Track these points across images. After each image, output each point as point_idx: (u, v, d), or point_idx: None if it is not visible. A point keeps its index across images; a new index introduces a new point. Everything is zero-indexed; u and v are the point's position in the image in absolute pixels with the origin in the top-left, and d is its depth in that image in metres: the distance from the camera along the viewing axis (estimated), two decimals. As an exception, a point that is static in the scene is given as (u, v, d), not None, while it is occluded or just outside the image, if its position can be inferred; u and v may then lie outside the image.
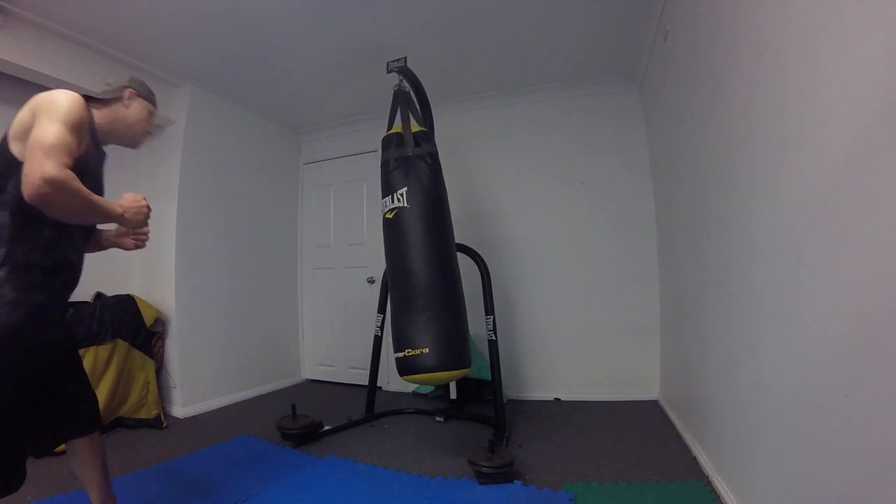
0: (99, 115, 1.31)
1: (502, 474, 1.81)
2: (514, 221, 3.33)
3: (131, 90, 1.36)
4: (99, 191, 1.31)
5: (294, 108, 3.66)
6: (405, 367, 1.95)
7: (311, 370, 4.00)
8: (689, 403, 2.23)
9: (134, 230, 1.45)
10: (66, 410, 1.32)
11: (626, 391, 2.99)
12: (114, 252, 3.30)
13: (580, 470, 1.93)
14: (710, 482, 1.72)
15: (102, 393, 2.43)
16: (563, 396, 3.10)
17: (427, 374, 1.92)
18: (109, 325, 2.53)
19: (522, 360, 3.22)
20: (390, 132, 2.31)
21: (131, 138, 1.41)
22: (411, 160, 2.16)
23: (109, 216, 1.23)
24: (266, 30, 2.51)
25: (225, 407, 3.13)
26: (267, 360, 3.66)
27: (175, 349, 2.92)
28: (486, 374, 2.71)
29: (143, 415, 2.64)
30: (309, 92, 3.37)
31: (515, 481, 1.82)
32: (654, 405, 2.84)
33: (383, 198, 2.18)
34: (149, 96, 1.41)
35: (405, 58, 2.36)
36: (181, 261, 2.98)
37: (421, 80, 2.51)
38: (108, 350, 2.49)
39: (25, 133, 1.12)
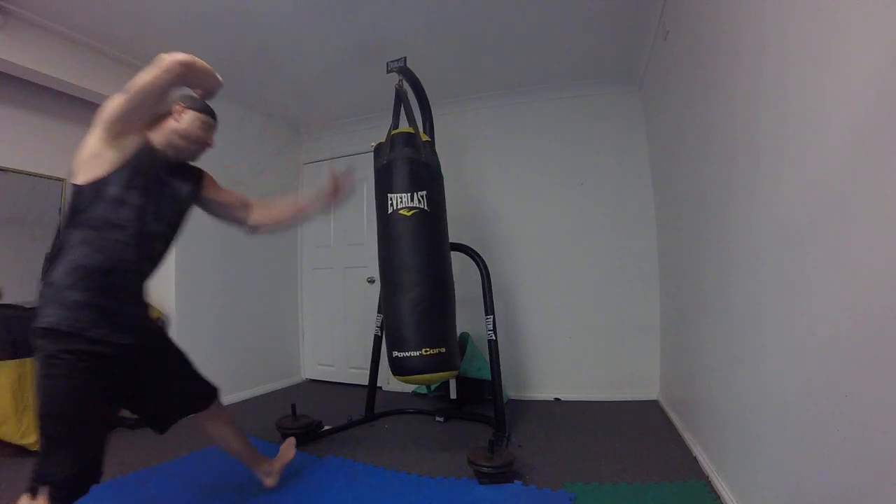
0: (154, 133, 1.37)
1: (502, 474, 1.81)
2: (514, 221, 3.33)
3: (180, 104, 1.41)
4: (148, 203, 1.33)
5: (295, 107, 3.66)
6: (412, 368, 1.96)
7: (311, 370, 4.00)
8: (689, 403, 2.24)
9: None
10: (169, 396, 1.53)
11: (626, 391, 2.99)
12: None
13: (580, 470, 1.93)
14: (710, 482, 1.72)
15: (102, 393, 2.43)
16: (563, 396, 3.10)
17: (438, 373, 1.96)
18: (109, 325, 2.53)
19: (522, 360, 3.22)
20: (403, 130, 2.25)
21: (187, 150, 1.44)
22: (426, 166, 2.14)
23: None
24: (266, 30, 2.51)
25: (225, 407, 3.12)
26: (267, 360, 3.66)
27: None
28: (486, 374, 2.71)
29: (143, 415, 2.63)
30: (310, 92, 3.37)
31: (515, 481, 1.82)
32: (654, 405, 2.84)
33: (394, 192, 2.07)
34: (202, 108, 1.44)
35: (405, 58, 2.36)
36: (181, 261, 2.98)
37: (421, 79, 2.51)
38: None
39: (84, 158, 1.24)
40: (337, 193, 1.72)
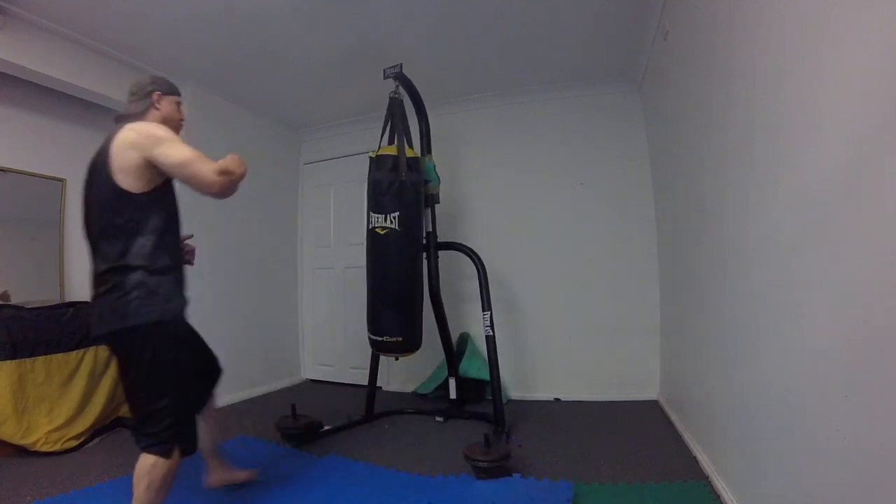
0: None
1: (499, 468, 1.81)
2: (514, 221, 3.33)
3: (157, 92, 1.47)
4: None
5: (294, 108, 3.66)
6: (381, 348, 2.46)
7: (311, 370, 4.00)
8: (689, 403, 2.23)
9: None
10: (205, 368, 1.74)
11: (626, 391, 2.99)
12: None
13: (580, 470, 1.93)
14: (710, 482, 1.72)
15: (102, 393, 2.44)
16: (563, 396, 3.10)
17: (396, 354, 2.47)
18: (109, 325, 2.53)
19: (522, 360, 3.22)
20: (385, 153, 2.41)
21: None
22: (404, 185, 2.36)
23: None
24: (266, 30, 2.51)
25: (224, 407, 3.13)
26: (267, 360, 3.66)
27: (175, 349, 2.92)
28: (486, 375, 2.72)
29: (143, 415, 2.63)
30: (309, 92, 3.37)
31: (514, 474, 1.82)
32: (654, 405, 2.84)
33: (374, 212, 2.41)
34: (172, 89, 1.52)
35: (400, 64, 2.40)
36: (181, 261, 2.98)
37: (420, 80, 2.52)
38: (108, 350, 2.49)
39: (136, 168, 1.34)
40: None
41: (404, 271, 2.44)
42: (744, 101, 1.40)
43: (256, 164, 3.66)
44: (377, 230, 2.41)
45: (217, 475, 1.76)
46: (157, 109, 1.46)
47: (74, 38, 2.45)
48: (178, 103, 1.55)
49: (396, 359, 2.58)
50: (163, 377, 1.36)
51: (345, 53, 2.78)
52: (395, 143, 2.44)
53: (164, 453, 1.30)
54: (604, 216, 3.16)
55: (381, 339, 2.40)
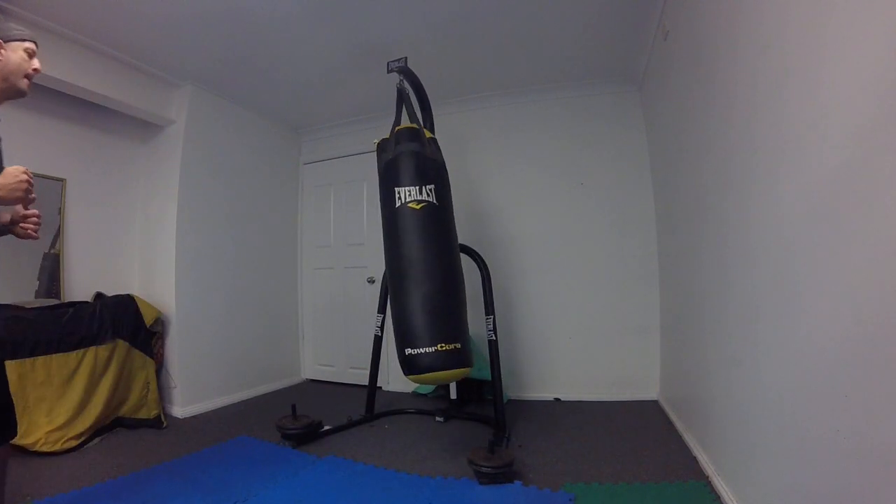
0: None
1: (502, 474, 1.81)
2: (514, 221, 3.33)
3: None
4: None
5: (294, 108, 3.66)
6: (431, 364, 1.83)
7: (311, 370, 4.00)
8: (689, 403, 2.23)
9: (23, 217, 1.27)
10: None
11: (626, 391, 2.99)
12: (114, 252, 3.30)
13: (580, 470, 1.93)
14: (710, 482, 1.72)
15: (102, 393, 2.44)
16: (563, 396, 3.10)
17: (456, 370, 1.86)
18: (109, 325, 2.53)
19: (522, 360, 3.22)
20: (407, 126, 2.23)
21: (16, 89, 1.26)
22: (431, 160, 2.12)
23: None
24: (266, 30, 2.51)
25: (225, 407, 3.13)
26: (267, 360, 3.66)
27: (175, 349, 2.92)
28: (486, 375, 2.71)
29: (143, 415, 2.63)
30: (309, 92, 3.37)
31: (515, 481, 1.82)
32: (654, 405, 2.84)
33: (402, 185, 2.00)
34: (15, 35, 1.25)
35: (405, 58, 2.37)
36: (181, 261, 2.98)
37: (421, 79, 2.51)
38: (108, 350, 2.49)
39: None
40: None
41: (448, 253, 1.97)
42: (744, 101, 1.40)
43: (256, 164, 3.67)
44: (410, 206, 1.95)
45: None
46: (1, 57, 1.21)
47: (74, 38, 2.45)
48: (28, 50, 1.27)
49: (447, 385, 2.02)
50: None
51: (345, 53, 2.78)
52: (412, 122, 2.26)
53: None
54: (604, 216, 3.16)
55: (433, 349, 1.79)
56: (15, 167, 1.14)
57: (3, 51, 1.22)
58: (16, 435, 1.28)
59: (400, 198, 2.00)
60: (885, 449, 0.78)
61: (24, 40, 1.26)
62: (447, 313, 1.86)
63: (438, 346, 1.80)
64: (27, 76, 1.26)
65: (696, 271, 2.06)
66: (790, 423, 1.14)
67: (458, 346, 1.83)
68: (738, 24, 1.42)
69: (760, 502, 1.32)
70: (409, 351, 1.85)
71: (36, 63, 1.29)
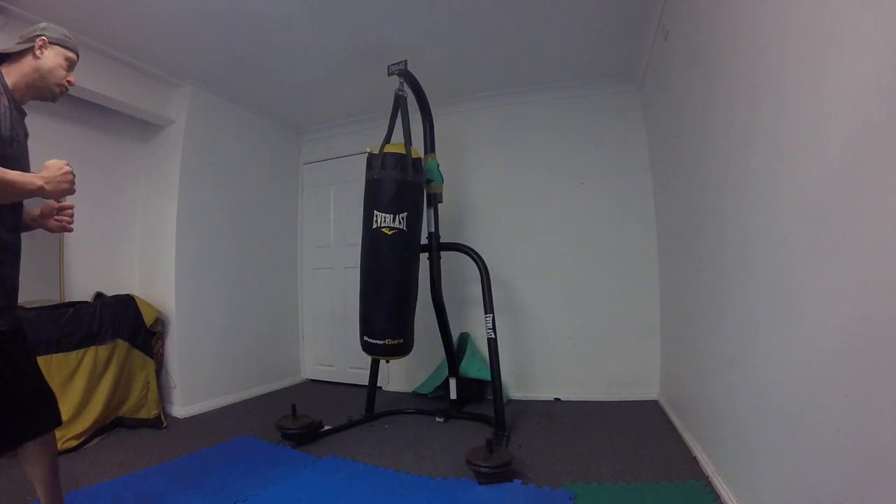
0: (11, 71, 1.22)
1: (501, 474, 1.81)
2: (515, 221, 3.33)
3: (42, 37, 1.24)
4: (20, 158, 1.21)
5: (294, 108, 3.66)
6: (379, 351, 2.39)
7: (311, 370, 4.00)
8: (689, 403, 2.23)
9: (58, 209, 1.32)
10: (16, 410, 1.23)
11: (626, 391, 2.99)
12: (114, 252, 3.29)
13: (580, 470, 1.93)
14: (710, 482, 1.72)
15: (102, 393, 2.44)
16: (563, 396, 3.10)
17: (395, 356, 2.44)
18: (109, 325, 2.53)
19: (523, 359, 3.22)
20: (394, 150, 2.38)
21: (48, 90, 1.28)
22: (411, 186, 2.36)
23: (27, 191, 1.11)
24: (266, 30, 2.51)
25: (225, 407, 3.13)
26: (267, 360, 3.66)
27: (175, 349, 2.92)
28: (486, 375, 2.71)
29: (143, 415, 2.63)
30: (309, 92, 3.37)
31: (515, 481, 1.82)
32: (654, 405, 2.84)
33: (382, 212, 2.35)
34: (63, 41, 1.28)
35: (405, 60, 2.37)
36: (181, 261, 2.98)
37: (422, 80, 2.51)
38: (108, 350, 2.49)
39: None
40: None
41: (408, 273, 2.42)
42: (744, 101, 1.40)
43: (257, 164, 3.67)
44: (384, 231, 2.35)
45: None
46: (36, 57, 1.23)
47: (74, 37, 2.45)
48: (69, 59, 1.29)
49: (387, 361, 2.59)
50: None
51: (345, 53, 2.78)
52: (403, 141, 2.41)
53: None
54: (604, 216, 3.16)
55: (381, 342, 2.35)
56: (55, 160, 1.17)
57: (45, 49, 1.24)
58: (60, 423, 1.37)
59: (377, 221, 2.37)
60: (885, 449, 0.78)
61: (67, 48, 1.30)
62: (398, 316, 2.38)
63: (386, 340, 2.34)
64: (59, 84, 1.29)
65: (697, 271, 2.06)
66: (790, 424, 1.14)
67: (401, 340, 2.37)
68: (738, 25, 1.42)
69: (760, 502, 1.32)
70: (366, 338, 2.40)
71: (71, 76, 1.33)
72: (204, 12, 2.31)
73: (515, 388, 3.18)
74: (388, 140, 2.45)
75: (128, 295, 2.78)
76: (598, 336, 3.10)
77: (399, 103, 2.43)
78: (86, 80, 2.55)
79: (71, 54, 1.31)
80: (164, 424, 2.67)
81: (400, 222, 2.33)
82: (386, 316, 2.37)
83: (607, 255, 3.13)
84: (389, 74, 2.39)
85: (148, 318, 2.74)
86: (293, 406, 2.48)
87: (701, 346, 2.00)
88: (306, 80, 3.14)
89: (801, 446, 1.09)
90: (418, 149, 2.53)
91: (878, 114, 0.80)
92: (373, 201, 2.40)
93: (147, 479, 1.93)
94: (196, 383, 3.02)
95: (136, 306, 2.73)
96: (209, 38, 2.55)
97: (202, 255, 3.15)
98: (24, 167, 1.22)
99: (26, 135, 1.28)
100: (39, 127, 2.68)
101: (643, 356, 2.99)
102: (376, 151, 2.42)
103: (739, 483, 1.50)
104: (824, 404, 0.98)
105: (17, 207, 1.25)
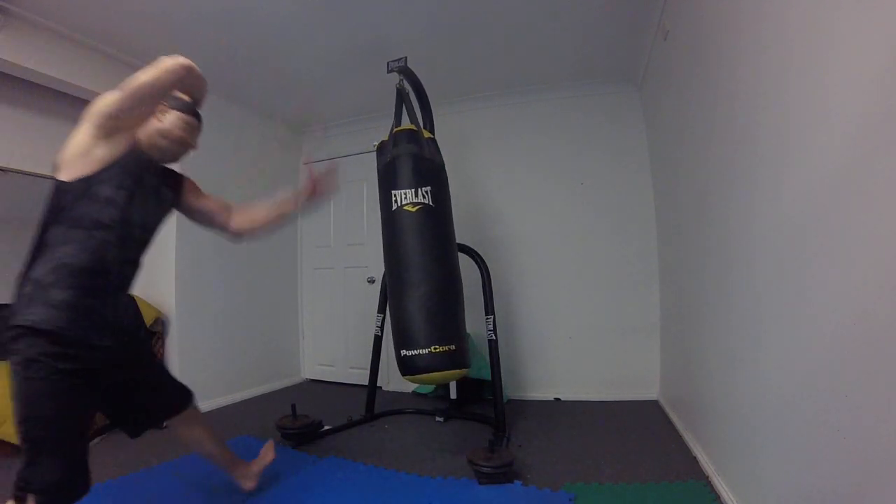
0: (138, 133, 1.37)
1: (502, 474, 1.81)
2: (515, 221, 3.33)
3: (164, 103, 1.40)
4: (134, 204, 1.33)
5: (294, 107, 3.66)
6: (427, 365, 1.88)
7: (311, 370, 4.00)
8: (689, 403, 2.23)
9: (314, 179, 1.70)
10: (146, 400, 1.51)
11: (626, 391, 2.99)
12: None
13: (580, 470, 1.93)
14: (710, 482, 1.72)
15: (102, 393, 2.43)
16: (563, 396, 3.10)
17: (450, 371, 1.90)
18: (109, 325, 2.52)
19: (522, 360, 3.22)
20: (406, 127, 2.25)
21: (169, 150, 1.42)
22: (429, 161, 2.13)
23: None
24: (266, 29, 2.51)
25: (225, 407, 3.13)
26: (267, 360, 3.65)
27: (175, 349, 2.92)
28: (486, 374, 2.71)
29: (143, 415, 2.63)
30: (309, 92, 3.37)
31: (515, 481, 1.82)
32: (654, 405, 2.84)
33: (401, 188, 2.03)
34: (186, 108, 1.43)
35: (405, 58, 2.36)
36: (181, 261, 2.98)
37: (421, 79, 2.51)
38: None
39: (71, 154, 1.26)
40: (317, 193, 1.71)
41: (446, 256, 1.98)
42: (744, 101, 1.40)
43: (257, 164, 3.66)
44: (406, 209, 1.98)
45: (244, 473, 1.73)
46: (158, 121, 1.38)
47: (74, 37, 2.45)
48: (189, 124, 1.43)
49: (437, 388, 2.11)
50: None
51: (345, 53, 2.78)
52: (411, 122, 2.26)
53: None
54: (604, 216, 3.16)
55: (425, 350, 1.83)
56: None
57: (167, 116, 1.38)
58: (193, 396, 1.68)
59: (396, 201, 2.03)
60: (886, 449, 0.78)
61: (184, 112, 1.43)
62: (443, 315, 1.89)
63: (433, 347, 1.84)
64: (178, 140, 1.40)
65: (697, 271, 2.06)
66: (790, 423, 1.14)
67: (453, 347, 1.86)
68: (739, 25, 1.42)
69: (760, 502, 1.32)
70: (404, 352, 1.89)
71: (192, 140, 1.47)
72: (203, 11, 2.31)
73: (515, 387, 3.18)
74: (396, 126, 2.34)
75: (128, 295, 2.77)
76: (598, 336, 3.10)
77: (402, 95, 2.37)
78: (86, 80, 2.55)
79: (188, 118, 1.43)
80: (164, 425, 2.66)
81: (424, 196, 1.97)
82: (424, 315, 1.88)
83: (607, 255, 3.13)
84: (389, 71, 2.37)
85: (148, 318, 2.74)
86: (293, 406, 2.48)
87: (701, 346, 2.00)
88: (306, 79, 3.14)
89: (801, 446, 1.09)
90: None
91: (880, 112, 0.80)
92: (389, 183, 2.07)
93: (147, 479, 1.93)
94: (196, 383, 2.96)
95: (136, 306, 2.73)
96: (209, 37, 2.55)
97: (202, 254, 3.14)
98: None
99: (151, 185, 1.40)
100: (40, 127, 2.69)
101: (643, 356, 2.99)
102: (393, 132, 2.23)
103: (739, 483, 1.50)
104: (824, 404, 0.98)
105: (147, 234, 1.44)
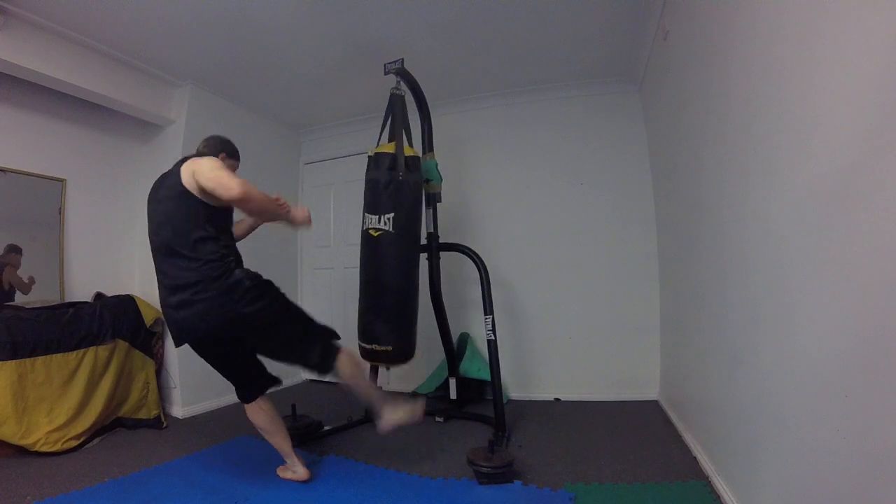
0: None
1: (502, 475, 1.81)
2: (515, 221, 3.33)
3: (224, 153, 1.82)
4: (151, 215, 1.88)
5: (294, 108, 3.66)
6: (370, 357, 2.34)
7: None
8: (689, 403, 2.23)
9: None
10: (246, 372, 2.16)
11: (626, 391, 2.99)
12: (114, 252, 3.30)
13: (580, 470, 1.93)
14: (710, 482, 1.72)
15: (102, 393, 2.44)
16: (563, 396, 3.10)
17: (386, 364, 2.37)
18: (109, 325, 2.53)
19: (522, 360, 3.22)
20: (383, 150, 2.34)
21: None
22: (402, 184, 2.28)
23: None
24: (266, 30, 2.51)
25: (225, 407, 3.13)
26: (267, 360, 3.64)
27: (175, 349, 2.91)
28: (486, 375, 2.71)
29: (143, 415, 2.64)
30: (309, 92, 3.37)
31: (515, 481, 1.82)
32: (654, 405, 2.84)
33: (369, 213, 2.33)
34: (234, 154, 1.92)
35: (402, 59, 2.37)
36: (181, 261, 2.97)
37: (420, 79, 2.51)
38: (108, 350, 2.49)
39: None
40: (294, 224, 2.09)
41: (397, 277, 2.30)
42: (743, 101, 1.40)
43: (256, 164, 3.66)
44: (370, 232, 2.30)
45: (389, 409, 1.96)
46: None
47: (74, 38, 2.45)
48: (235, 168, 1.89)
49: (388, 369, 2.45)
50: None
51: (345, 53, 2.78)
52: (393, 141, 2.36)
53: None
54: (604, 215, 3.16)
55: (369, 346, 2.28)
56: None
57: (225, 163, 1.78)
58: (337, 336, 2.13)
59: (365, 222, 2.34)
60: (886, 449, 0.78)
61: (235, 160, 2.02)
62: (385, 322, 2.29)
63: (373, 345, 2.28)
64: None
65: (697, 271, 2.06)
66: (790, 423, 1.14)
67: (389, 348, 2.27)
68: (738, 25, 1.42)
69: (760, 502, 1.32)
70: (359, 342, 2.37)
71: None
72: (203, 12, 2.31)
73: (515, 387, 3.18)
74: (383, 139, 2.43)
75: (128, 295, 2.78)
76: (598, 336, 3.10)
77: (394, 101, 2.41)
78: (86, 80, 2.56)
79: (237, 164, 1.96)
80: (164, 425, 2.67)
81: (385, 223, 2.27)
82: (374, 321, 2.29)
83: (607, 255, 3.13)
84: (386, 73, 2.38)
85: (148, 319, 2.74)
86: (293, 406, 2.49)
87: (701, 346, 2.00)
88: (306, 79, 3.14)
89: (801, 446, 1.09)
90: (417, 148, 2.52)
91: (876, 114, 0.80)
92: (365, 203, 2.40)
93: (147, 479, 1.93)
94: (196, 383, 3.01)
95: (136, 306, 2.73)
96: (208, 38, 2.55)
97: (202, 255, 3.14)
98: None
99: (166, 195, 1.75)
100: (39, 127, 2.69)
101: (643, 356, 2.99)
102: (372, 154, 2.39)
103: (739, 483, 1.50)
104: (824, 404, 0.98)
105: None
